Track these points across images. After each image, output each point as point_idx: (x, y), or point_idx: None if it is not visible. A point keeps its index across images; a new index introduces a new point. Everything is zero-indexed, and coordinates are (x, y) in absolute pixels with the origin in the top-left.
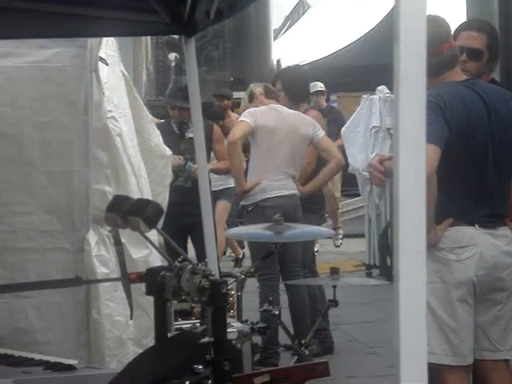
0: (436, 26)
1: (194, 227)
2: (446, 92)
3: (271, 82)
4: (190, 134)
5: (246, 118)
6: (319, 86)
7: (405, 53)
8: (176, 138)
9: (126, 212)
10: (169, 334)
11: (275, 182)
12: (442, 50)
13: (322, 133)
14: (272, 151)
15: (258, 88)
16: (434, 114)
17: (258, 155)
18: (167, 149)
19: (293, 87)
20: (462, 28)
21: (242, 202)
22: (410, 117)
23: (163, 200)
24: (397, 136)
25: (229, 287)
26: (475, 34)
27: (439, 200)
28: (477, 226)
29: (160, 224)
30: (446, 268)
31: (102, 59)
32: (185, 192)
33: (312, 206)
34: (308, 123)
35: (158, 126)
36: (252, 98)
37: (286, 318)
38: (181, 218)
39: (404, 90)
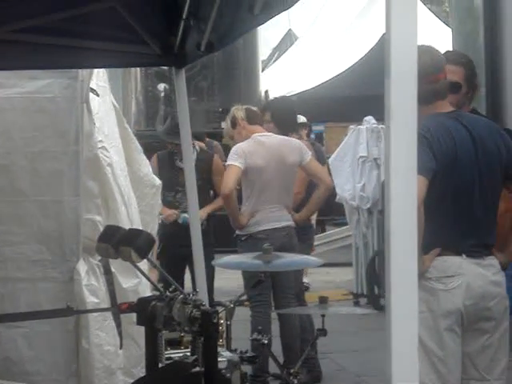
0: (433, 55)
1: (190, 257)
2: (433, 124)
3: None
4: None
5: (235, 162)
6: (301, 119)
7: (396, 86)
8: (175, 168)
9: (118, 242)
10: (160, 364)
11: (269, 214)
12: (438, 78)
13: (309, 156)
14: (264, 187)
15: (239, 112)
16: (421, 145)
17: (250, 192)
18: (156, 178)
19: (282, 118)
20: None
21: (237, 232)
22: (401, 149)
23: (152, 229)
24: (388, 168)
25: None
26: (453, 67)
27: (427, 230)
28: (464, 255)
29: (154, 253)
30: (433, 297)
31: (92, 90)
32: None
33: (301, 236)
34: (294, 149)
35: (159, 156)
36: (234, 124)
37: (278, 346)
38: (177, 249)
39: (395, 123)
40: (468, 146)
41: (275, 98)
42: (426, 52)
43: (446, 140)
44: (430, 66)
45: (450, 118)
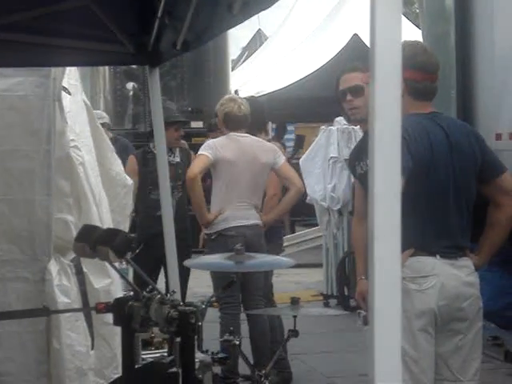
0: (433, 55)
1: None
2: (410, 124)
3: None
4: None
5: (205, 151)
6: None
7: (380, 88)
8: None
9: (95, 242)
10: (136, 365)
11: (238, 212)
12: (435, 77)
13: (282, 160)
14: (234, 182)
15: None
16: None
17: (219, 186)
18: (128, 178)
19: (250, 118)
20: (338, 76)
21: (205, 231)
22: (385, 151)
23: (124, 229)
24: (372, 170)
25: None
26: (350, 75)
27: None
28: (438, 256)
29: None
30: (407, 297)
31: (64, 88)
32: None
33: (271, 236)
34: (267, 150)
35: (138, 156)
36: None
37: (247, 347)
38: (156, 248)
39: (379, 125)
40: (444, 147)
41: (244, 98)
42: (430, 51)
43: (423, 141)
44: (434, 64)
45: (428, 119)
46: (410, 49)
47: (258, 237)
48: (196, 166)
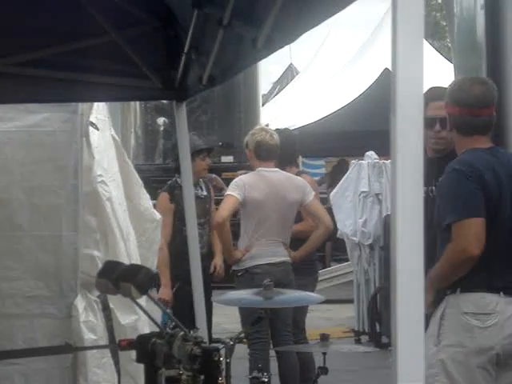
0: (486, 89)
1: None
2: (476, 160)
3: None
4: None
5: (234, 192)
6: None
7: (402, 125)
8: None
9: (118, 278)
10: None
11: (265, 249)
12: (482, 113)
13: (311, 196)
14: (262, 221)
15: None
16: (470, 184)
17: (247, 225)
18: (157, 213)
19: (280, 151)
20: (429, 99)
21: (233, 267)
22: (407, 187)
23: (152, 265)
24: (394, 206)
25: None
26: (442, 103)
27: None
28: (501, 293)
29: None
30: (467, 333)
31: (92, 124)
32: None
33: (305, 270)
34: (296, 188)
35: (168, 191)
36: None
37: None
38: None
39: (401, 161)
40: (507, 182)
41: (277, 129)
42: (480, 84)
43: (489, 176)
44: (477, 99)
45: (489, 154)
46: (452, 84)
47: (286, 273)
48: (224, 210)
